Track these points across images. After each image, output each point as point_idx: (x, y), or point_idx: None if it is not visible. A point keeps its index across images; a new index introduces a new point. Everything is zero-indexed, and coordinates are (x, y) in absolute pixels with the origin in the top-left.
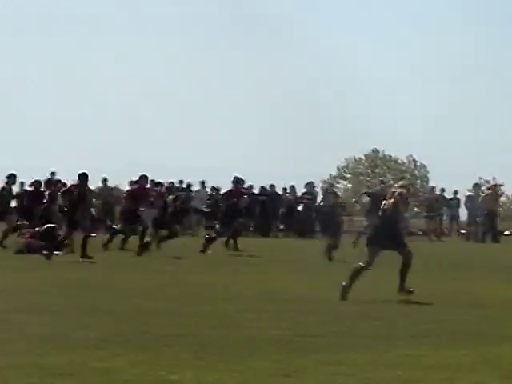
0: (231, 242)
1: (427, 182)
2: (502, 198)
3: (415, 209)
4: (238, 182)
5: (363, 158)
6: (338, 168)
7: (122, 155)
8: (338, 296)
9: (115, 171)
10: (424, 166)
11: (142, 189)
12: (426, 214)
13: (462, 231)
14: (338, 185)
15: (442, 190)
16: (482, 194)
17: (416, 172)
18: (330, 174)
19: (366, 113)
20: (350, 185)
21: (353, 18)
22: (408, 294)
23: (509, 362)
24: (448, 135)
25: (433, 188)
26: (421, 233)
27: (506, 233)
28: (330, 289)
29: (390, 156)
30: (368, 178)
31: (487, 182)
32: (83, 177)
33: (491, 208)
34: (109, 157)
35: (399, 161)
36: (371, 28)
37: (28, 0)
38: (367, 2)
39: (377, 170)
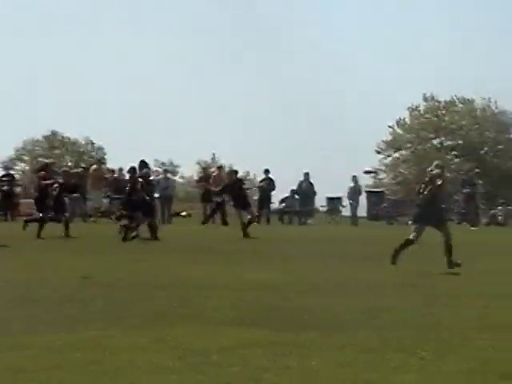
0: None
1: (105, 163)
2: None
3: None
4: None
5: (42, 139)
6: (15, 149)
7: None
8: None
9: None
10: (101, 147)
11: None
12: (113, 196)
13: None
14: (16, 167)
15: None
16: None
17: (94, 153)
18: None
19: None
20: (28, 167)
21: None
22: (457, 266)
23: (186, 342)
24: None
25: (113, 170)
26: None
27: (183, 214)
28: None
29: (69, 138)
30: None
31: (163, 164)
32: None
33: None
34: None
35: (77, 143)
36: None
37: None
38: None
39: (56, 152)
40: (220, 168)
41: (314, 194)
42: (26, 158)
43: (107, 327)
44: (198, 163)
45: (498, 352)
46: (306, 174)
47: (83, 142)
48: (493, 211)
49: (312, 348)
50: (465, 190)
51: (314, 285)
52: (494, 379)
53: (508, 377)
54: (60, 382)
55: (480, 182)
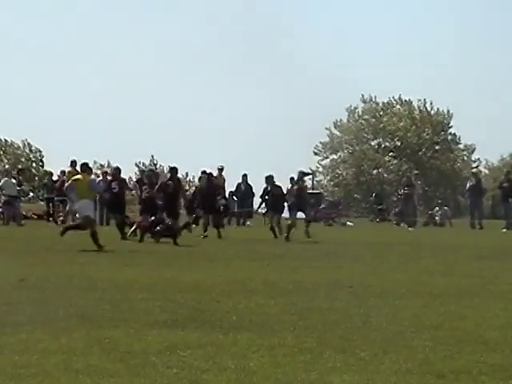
0: None
1: (42, 166)
2: None
3: (31, 193)
4: None
5: None
6: None
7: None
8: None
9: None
10: (39, 150)
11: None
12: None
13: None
14: None
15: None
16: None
17: (31, 156)
18: None
19: None
20: None
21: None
22: None
23: (123, 344)
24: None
25: (51, 173)
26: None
27: None
28: None
29: (6, 140)
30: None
31: (102, 166)
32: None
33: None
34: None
35: (15, 145)
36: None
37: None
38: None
39: None
40: (220, 170)
41: (253, 195)
42: None
43: (36, 330)
44: (136, 165)
45: (436, 352)
46: (244, 176)
47: (21, 145)
48: (430, 212)
49: (247, 349)
50: (403, 191)
51: (243, 285)
52: (431, 379)
53: (444, 376)
54: None
55: (418, 182)
